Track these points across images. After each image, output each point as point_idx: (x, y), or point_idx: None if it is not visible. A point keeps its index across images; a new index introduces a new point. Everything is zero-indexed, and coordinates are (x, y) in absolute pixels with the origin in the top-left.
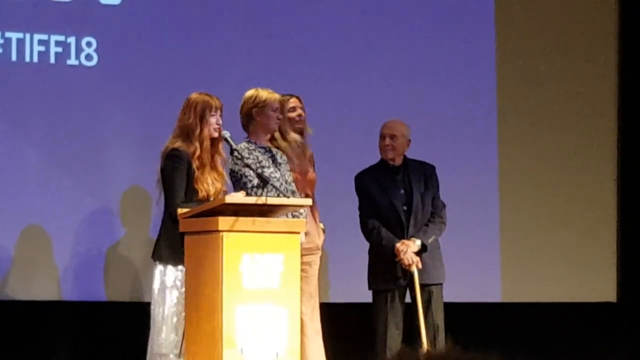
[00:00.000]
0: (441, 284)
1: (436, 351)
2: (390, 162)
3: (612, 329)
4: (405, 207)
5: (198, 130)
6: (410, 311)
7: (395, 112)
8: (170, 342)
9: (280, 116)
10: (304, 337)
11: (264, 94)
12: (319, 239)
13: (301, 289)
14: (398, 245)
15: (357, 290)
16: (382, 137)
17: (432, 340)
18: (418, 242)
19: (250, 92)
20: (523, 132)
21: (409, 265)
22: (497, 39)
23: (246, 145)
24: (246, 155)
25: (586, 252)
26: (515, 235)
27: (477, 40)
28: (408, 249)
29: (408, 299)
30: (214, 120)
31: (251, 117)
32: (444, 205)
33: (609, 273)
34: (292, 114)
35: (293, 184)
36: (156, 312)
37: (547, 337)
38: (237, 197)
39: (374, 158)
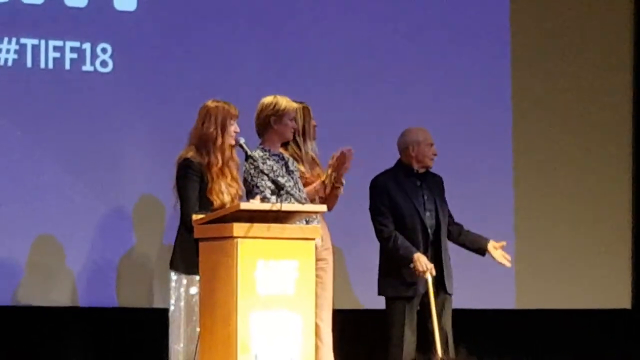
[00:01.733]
0: (451, 294)
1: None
2: (415, 169)
3: (627, 336)
4: (427, 213)
5: (220, 141)
6: (420, 317)
7: (409, 117)
8: (188, 352)
9: (296, 125)
10: (320, 343)
11: (283, 102)
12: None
13: (317, 295)
14: (415, 256)
15: (370, 297)
16: (430, 144)
17: (444, 346)
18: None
19: (268, 99)
20: (538, 139)
21: (423, 272)
22: (512, 42)
23: (260, 153)
24: (260, 164)
25: (601, 258)
26: (529, 241)
27: (492, 44)
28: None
29: None
30: (232, 128)
31: (268, 124)
32: None
33: (623, 280)
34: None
35: (304, 191)
36: (173, 321)
37: (562, 343)
38: (252, 203)
39: (387, 163)
